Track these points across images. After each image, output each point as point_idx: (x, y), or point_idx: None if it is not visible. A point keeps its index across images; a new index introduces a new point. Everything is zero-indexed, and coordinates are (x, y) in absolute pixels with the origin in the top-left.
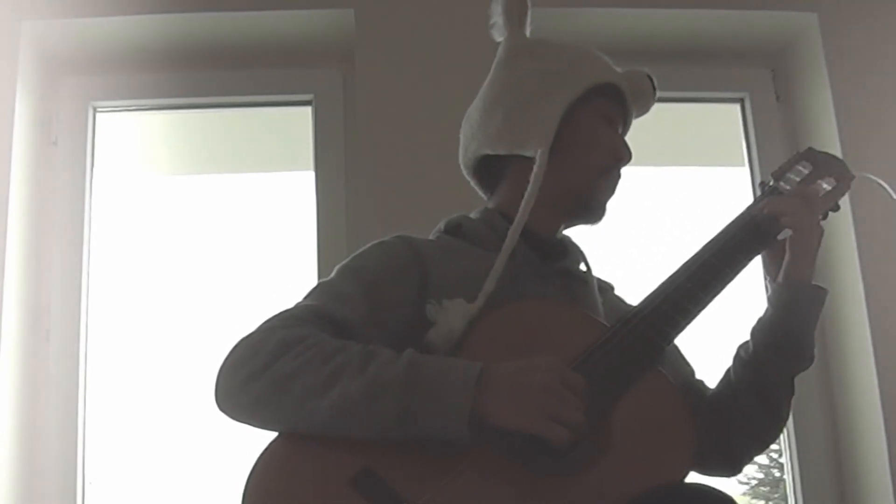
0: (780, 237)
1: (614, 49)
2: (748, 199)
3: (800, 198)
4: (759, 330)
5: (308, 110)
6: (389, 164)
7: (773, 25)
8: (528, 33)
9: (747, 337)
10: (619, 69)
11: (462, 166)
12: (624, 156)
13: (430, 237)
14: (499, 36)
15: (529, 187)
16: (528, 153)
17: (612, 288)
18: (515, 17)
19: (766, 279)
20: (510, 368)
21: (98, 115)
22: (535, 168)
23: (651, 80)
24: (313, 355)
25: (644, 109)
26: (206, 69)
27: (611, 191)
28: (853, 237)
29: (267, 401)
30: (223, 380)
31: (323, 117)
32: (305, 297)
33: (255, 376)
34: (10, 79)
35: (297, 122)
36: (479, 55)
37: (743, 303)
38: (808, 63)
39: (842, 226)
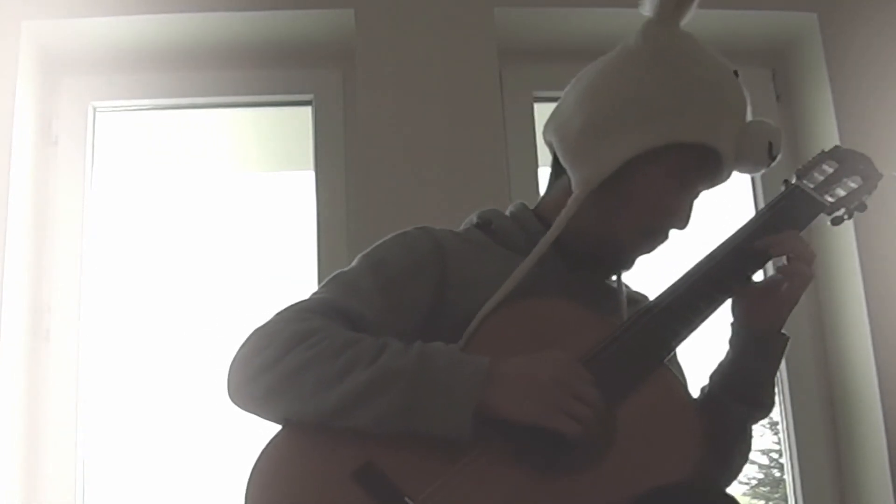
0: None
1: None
2: (748, 200)
3: (801, 241)
4: (718, 373)
5: (308, 110)
6: (389, 164)
7: (773, 25)
8: (684, 22)
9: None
10: (745, 113)
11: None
12: (677, 224)
13: (461, 228)
14: (645, 10)
15: (555, 223)
16: (572, 184)
17: (645, 299)
18: (671, 4)
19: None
20: (521, 362)
21: (98, 115)
22: (564, 209)
23: (771, 147)
24: (326, 347)
25: (750, 173)
26: (206, 69)
27: (647, 251)
28: (853, 234)
29: (279, 391)
30: (236, 370)
31: (323, 117)
32: (322, 287)
33: (268, 367)
34: (10, 79)
35: (297, 122)
36: (479, 55)
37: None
38: (808, 63)
39: (842, 226)
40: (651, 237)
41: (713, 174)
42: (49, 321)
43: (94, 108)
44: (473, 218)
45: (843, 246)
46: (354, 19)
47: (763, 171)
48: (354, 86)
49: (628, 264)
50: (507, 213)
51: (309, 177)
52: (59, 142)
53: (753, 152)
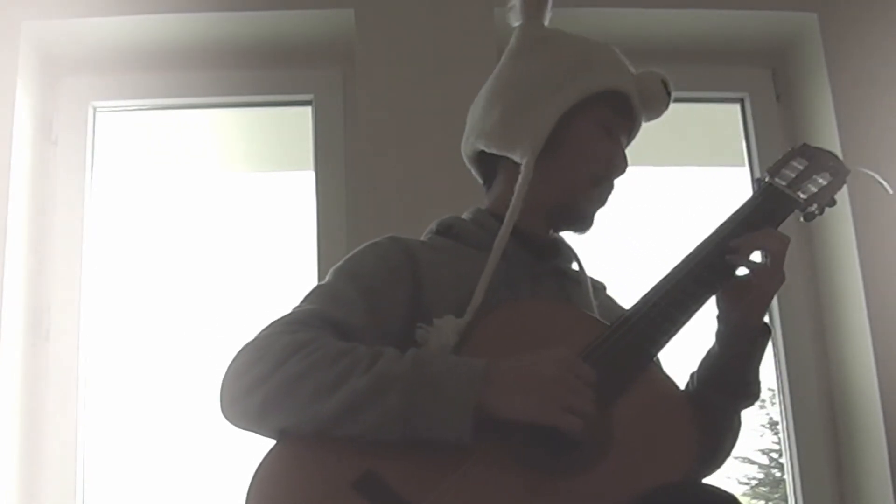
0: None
1: None
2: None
3: (779, 239)
4: (704, 366)
5: (308, 110)
6: (389, 164)
7: (773, 25)
8: (546, 22)
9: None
10: (632, 70)
11: (463, 155)
12: (617, 168)
13: (423, 238)
14: (514, 21)
15: (514, 196)
16: (516, 158)
17: (604, 288)
18: (534, 4)
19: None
20: (518, 362)
21: (98, 115)
22: (519, 177)
23: (665, 84)
24: (321, 357)
25: (655, 115)
26: (206, 69)
27: (600, 202)
28: (852, 234)
29: (275, 403)
30: (228, 386)
31: (323, 117)
32: (303, 301)
33: (263, 380)
34: (10, 79)
35: (297, 122)
36: (479, 55)
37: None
38: (808, 63)
39: (841, 222)
40: (599, 187)
41: (630, 120)
42: (49, 321)
43: (94, 108)
44: (433, 226)
45: (843, 246)
46: (354, 19)
47: (664, 111)
48: (354, 86)
49: (588, 221)
50: (465, 216)
51: (309, 177)
52: (59, 142)
53: (651, 91)
